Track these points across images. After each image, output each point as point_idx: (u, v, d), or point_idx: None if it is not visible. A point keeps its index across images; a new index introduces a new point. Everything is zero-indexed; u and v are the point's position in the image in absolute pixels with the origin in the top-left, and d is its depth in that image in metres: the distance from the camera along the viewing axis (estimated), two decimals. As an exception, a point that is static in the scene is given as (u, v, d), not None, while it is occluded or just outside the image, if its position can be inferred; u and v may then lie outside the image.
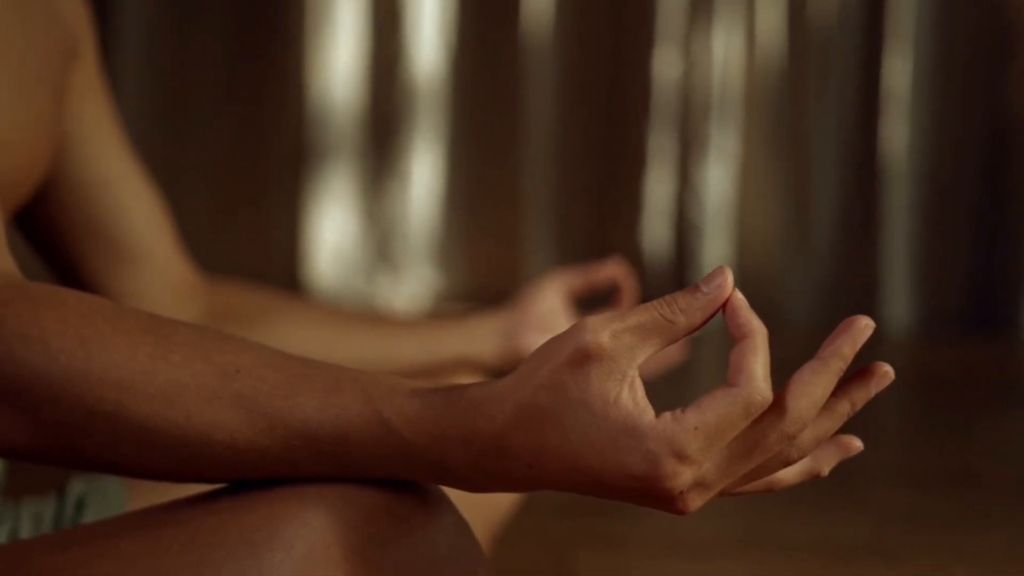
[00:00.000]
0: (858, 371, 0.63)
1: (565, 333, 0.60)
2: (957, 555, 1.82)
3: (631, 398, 0.59)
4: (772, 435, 0.60)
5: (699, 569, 1.74)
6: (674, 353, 1.20)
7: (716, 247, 3.98)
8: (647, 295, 3.80)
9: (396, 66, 3.98)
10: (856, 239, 3.98)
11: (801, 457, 0.62)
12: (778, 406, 0.60)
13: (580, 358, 0.59)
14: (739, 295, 0.61)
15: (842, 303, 3.99)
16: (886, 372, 0.63)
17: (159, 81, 3.95)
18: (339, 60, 3.98)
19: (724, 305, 0.61)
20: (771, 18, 3.93)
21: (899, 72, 3.92)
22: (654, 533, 1.87)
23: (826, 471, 0.66)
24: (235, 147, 3.99)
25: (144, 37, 3.94)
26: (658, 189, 3.98)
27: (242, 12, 3.98)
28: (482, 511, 1.02)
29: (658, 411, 0.59)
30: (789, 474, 0.65)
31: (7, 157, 0.82)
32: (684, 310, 0.60)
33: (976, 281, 3.95)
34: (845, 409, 0.63)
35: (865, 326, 0.61)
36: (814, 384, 0.60)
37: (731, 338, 0.61)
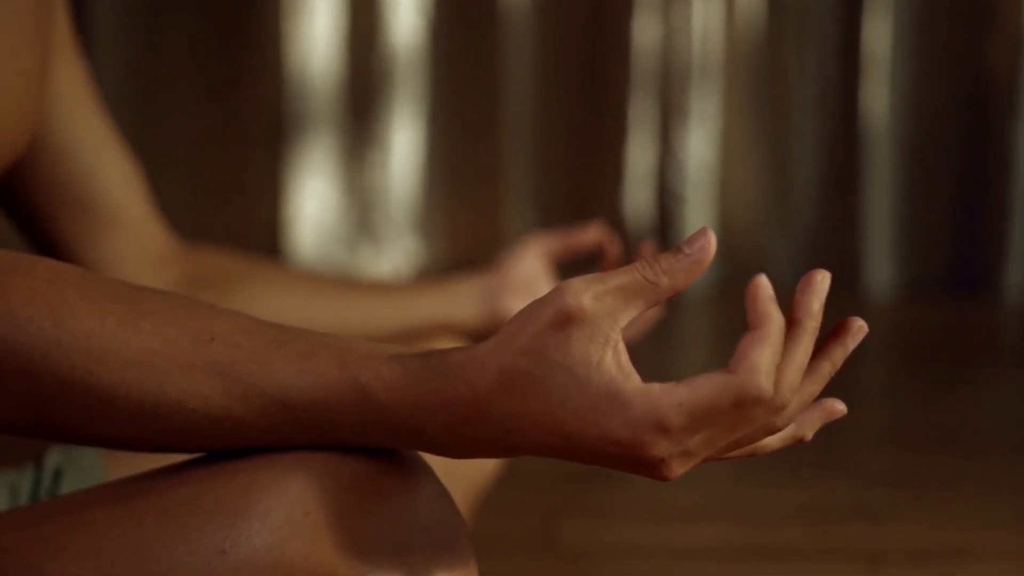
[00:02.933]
0: (833, 330, 0.62)
1: (546, 296, 0.59)
2: (941, 516, 1.83)
3: (615, 362, 0.58)
4: (759, 409, 0.59)
5: (683, 536, 1.74)
6: (652, 313, 1.19)
7: (698, 213, 3.98)
8: (630, 262, 3.80)
9: (375, 37, 3.95)
10: (838, 204, 3.98)
11: (787, 424, 0.61)
12: None
13: (561, 321, 0.58)
14: (765, 282, 0.60)
15: (824, 266, 3.98)
16: (860, 326, 0.63)
17: (135, 55, 3.92)
18: (318, 31, 3.95)
19: (747, 290, 0.60)
20: (750, -17, 3.92)
21: (879, 35, 3.91)
22: (638, 501, 1.86)
23: (809, 435, 0.65)
24: (214, 120, 3.97)
25: (120, 10, 3.91)
26: (639, 156, 3.97)
27: (218, -17, 3.95)
28: (463, 479, 1.01)
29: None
30: (773, 439, 0.65)
31: None
32: (667, 271, 0.59)
33: (958, 243, 3.96)
34: (826, 370, 0.62)
35: (822, 279, 0.60)
36: (794, 352, 0.59)
37: (748, 324, 0.60)
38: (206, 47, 3.95)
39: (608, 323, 0.59)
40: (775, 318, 0.59)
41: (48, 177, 0.99)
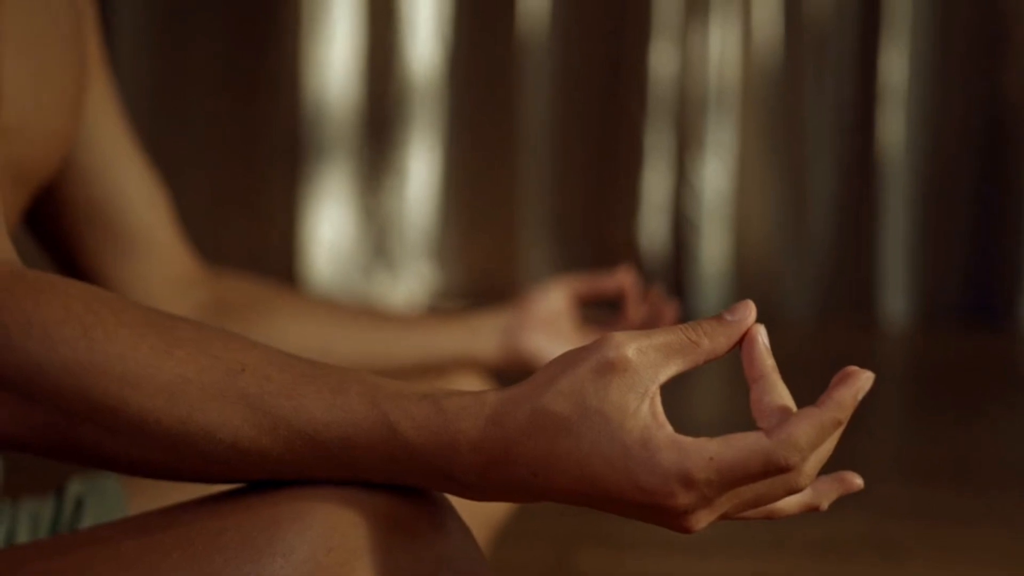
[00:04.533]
0: (839, 380, 0.62)
1: (590, 344, 0.61)
2: (956, 550, 1.82)
3: (650, 412, 0.59)
4: (781, 478, 0.60)
5: (698, 567, 1.73)
6: None
7: (713, 243, 3.98)
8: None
9: (392, 62, 3.97)
10: (853, 234, 3.98)
11: (807, 484, 0.62)
12: None
13: (604, 368, 0.59)
14: (762, 331, 0.62)
15: (840, 298, 3.99)
16: (868, 376, 0.63)
17: (155, 78, 3.94)
18: (336, 56, 3.97)
19: (744, 336, 0.62)
20: (767, 13, 3.93)
21: (895, 66, 3.91)
22: (652, 532, 1.86)
23: (825, 505, 0.67)
24: (232, 143, 3.99)
25: (140, 33, 3.93)
26: (655, 185, 3.98)
27: (238, 8, 3.97)
28: (481, 513, 1.01)
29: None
30: (790, 506, 0.66)
31: (28, 141, 0.81)
32: (708, 334, 0.61)
33: (973, 274, 3.95)
34: (839, 427, 0.62)
35: (867, 378, 0.61)
36: (822, 438, 0.60)
37: (745, 372, 0.62)
38: (224, 72, 3.97)
39: (649, 375, 0.60)
40: (770, 367, 0.62)
41: (76, 197, 0.99)
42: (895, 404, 2.83)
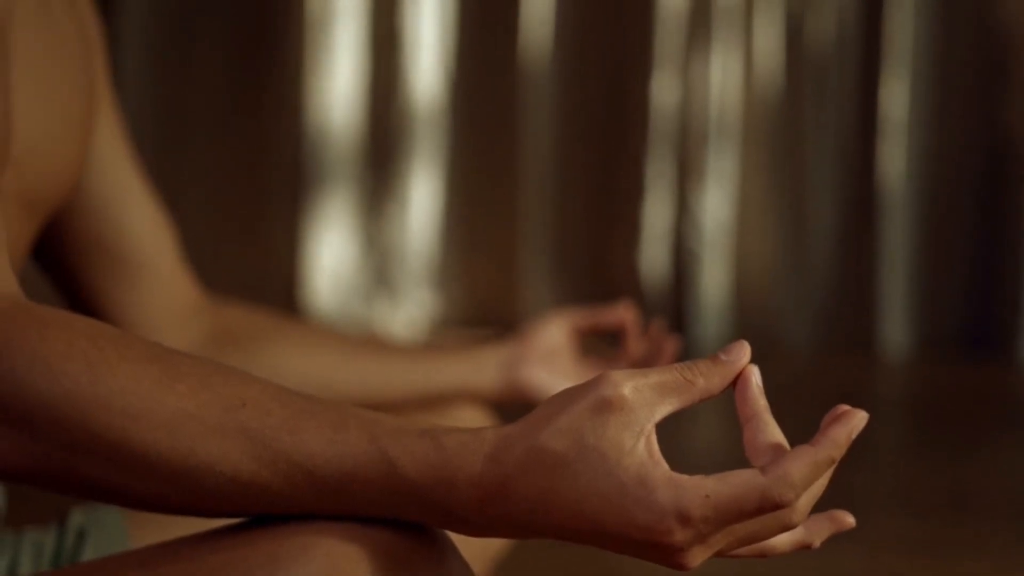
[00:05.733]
0: (834, 419, 0.63)
1: (587, 383, 0.61)
2: (954, 583, 1.82)
3: (646, 450, 0.60)
4: (775, 515, 0.61)
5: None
6: None
7: (714, 272, 3.99)
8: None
9: (395, 90, 3.99)
10: (853, 264, 3.99)
11: (800, 521, 0.63)
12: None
13: (601, 407, 0.60)
14: (756, 371, 0.64)
15: (840, 327, 3.99)
16: (862, 416, 0.64)
17: (158, 105, 3.96)
18: (338, 83, 3.99)
19: (738, 376, 0.62)
20: (768, 44, 3.95)
21: (896, 97, 3.93)
22: (651, 565, 1.86)
23: (818, 543, 0.68)
24: (233, 170, 4.00)
25: (143, 60, 3.95)
26: (656, 214, 3.99)
27: (241, 36, 3.99)
28: (480, 543, 1.02)
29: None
30: (782, 543, 0.67)
31: (39, 170, 0.81)
32: (703, 373, 0.63)
33: (973, 305, 3.96)
34: (832, 465, 0.63)
35: (860, 419, 0.62)
36: (816, 475, 0.61)
37: (738, 411, 0.63)
38: (227, 99, 3.99)
39: (645, 414, 0.61)
40: (763, 407, 0.63)
41: (80, 226, 0.99)
42: (895, 436, 2.84)
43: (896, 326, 3.97)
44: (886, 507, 2.22)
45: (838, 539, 1.56)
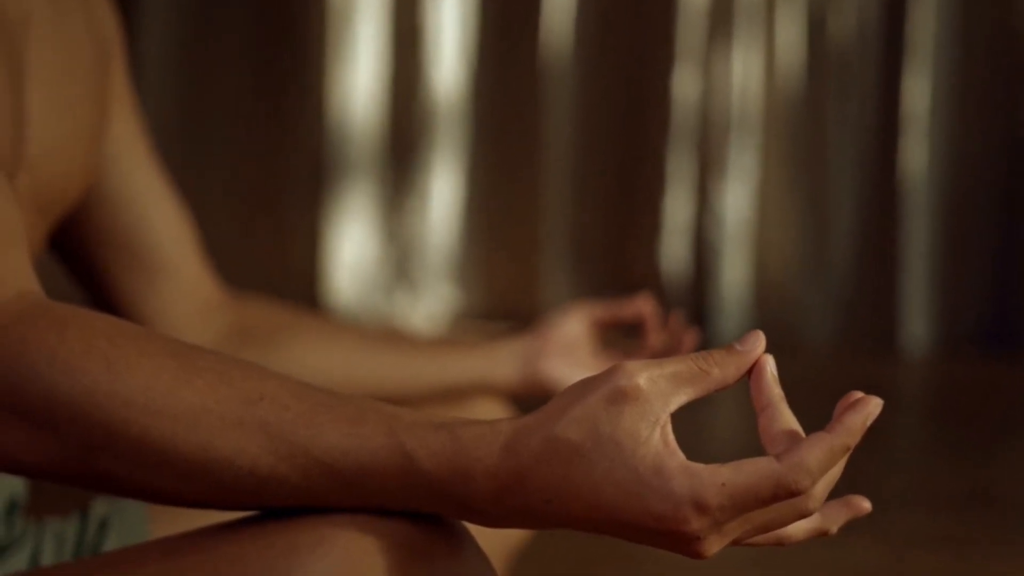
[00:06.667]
0: (849, 408, 0.63)
1: (602, 373, 0.62)
2: (974, 579, 1.82)
3: (662, 440, 0.60)
4: (791, 503, 0.62)
5: (716, 592, 1.73)
6: None
7: (734, 267, 3.98)
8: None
9: (416, 85, 3.99)
10: (874, 259, 3.98)
11: (816, 508, 0.63)
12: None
13: (616, 397, 0.60)
14: (771, 360, 0.64)
15: (860, 323, 3.98)
16: (877, 403, 0.64)
17: (179, 100, 3.97)
18: (359, 79, 3.99)
19: (753, 366, 0.63)
20: (790, 38, 3.94)
21: (918, 92, 3.92)
22: (671, 555, 1.87)
23: (834, 530, 0.68)
24: (255, 166, 4.01)
25: (165, 57, 3.96)
26: (677, 209, 3.98)
27: (263, 32, 4.00)
28: (499, 538, 1.02)
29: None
30: (799, 530, 0.67)
31: (48, 174, 0.82)
32: (719, 363, 0.63)
33: (994, 301, 3.94)
34: (847, 452, 0.63)
35: (875, 406, 0.62)
36: (831, 462, 0.61)
37: (753, 400, 0.64)
38: (249, 95, 3.99)
39: (660, 404, 0.61)
40: (777, 395, 0.63)
41: (101, 226, 1.00)
42: (916, 432, 2.83)
43: (917, 320, 3.96)
44: (908, 503, 2.22)
45: (861, 535, 1.56)
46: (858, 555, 1.90)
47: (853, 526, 2.02)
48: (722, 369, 0.63)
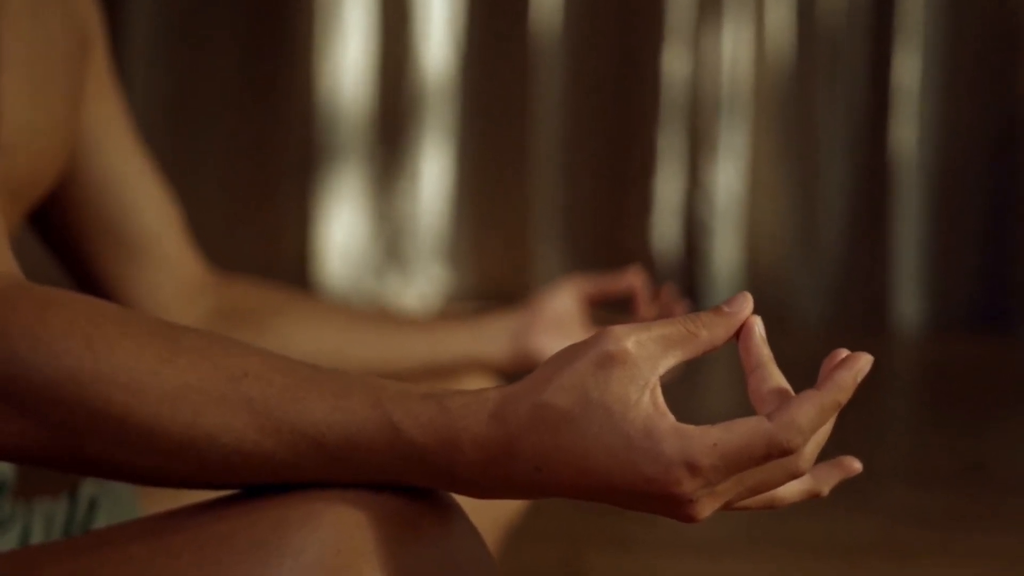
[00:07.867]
0: (839, 365, 0.63)
1: (590, 338, 0.61)
2: (966, 554, 1.82)
3: (651, 402, 0.60)
4: (782, 462, 0.61)
5: (708, 569, 1.74)
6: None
7: (725, 246, 3.98)
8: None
9: (405, 65, 3.98)
10: (865, 238, 3.98)
11: (807, 468, 0.62)
12: None
13: (604, 361, 0.60)
14: (759, 321, 0.63)
15: (851, 302, 3.98)
16: (868, 359, 0.63)
17: (169, 83, 3.96)
18: (348, 60, 3.98)
19: (741, 327, 0.63)
20: (780, 16, 3.93)
21: (908, 70, 3.91)
22: (663, 533, 1.87)
23: (826, 491, 0.67)
24: (245, 147, 4.00)
25: (154, 39, 3.95)
26: (667, 188, 3.98)
27: (252, 13, 3.99)
28: (491, 513, 1.02)
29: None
30: (790, 492, 0.66)
31: (20, 160, 0.82)
32: (707, 325, 0.62)
33: (986, 279, 3.95)
34: (838, 409, 0.63)
35: (866, 362, 0.62)
36: (822, 420, 0.61)
37: (742, 361, 0.63)
38: (237, 76, 3.98)
39: (648, 367, 0.60)
40: (767, 356, 0.63)
41: (84, 209, 1.00)
42: (907, 410, 2.83)
43: (908, 299, 3.96)
44: (899, 480, 2.22)
45: (851, 510, 1.57)
46: (850, 530, 1.90)
47: (845, 502, 2.03)
48: (710, 331, 0.62)
